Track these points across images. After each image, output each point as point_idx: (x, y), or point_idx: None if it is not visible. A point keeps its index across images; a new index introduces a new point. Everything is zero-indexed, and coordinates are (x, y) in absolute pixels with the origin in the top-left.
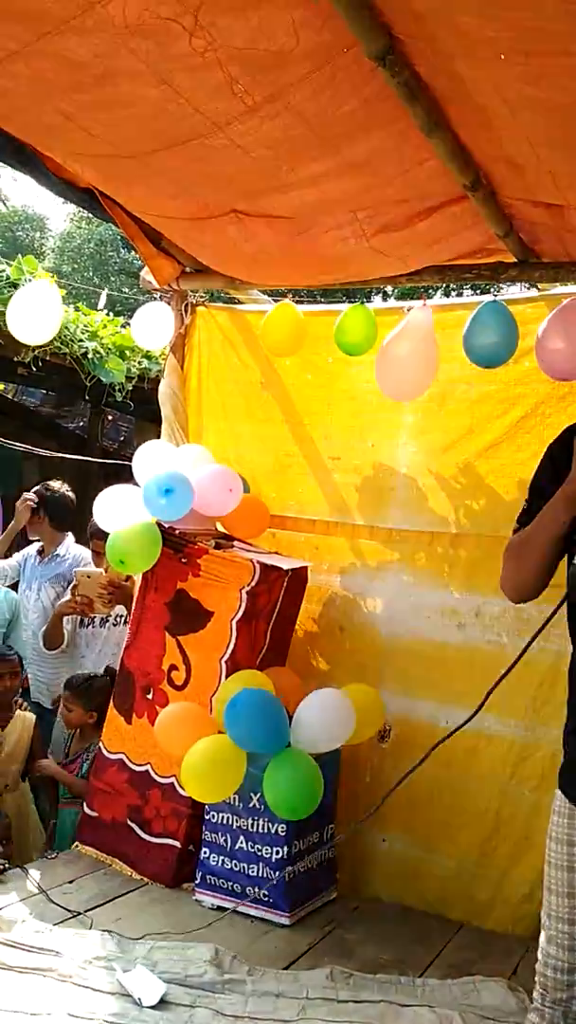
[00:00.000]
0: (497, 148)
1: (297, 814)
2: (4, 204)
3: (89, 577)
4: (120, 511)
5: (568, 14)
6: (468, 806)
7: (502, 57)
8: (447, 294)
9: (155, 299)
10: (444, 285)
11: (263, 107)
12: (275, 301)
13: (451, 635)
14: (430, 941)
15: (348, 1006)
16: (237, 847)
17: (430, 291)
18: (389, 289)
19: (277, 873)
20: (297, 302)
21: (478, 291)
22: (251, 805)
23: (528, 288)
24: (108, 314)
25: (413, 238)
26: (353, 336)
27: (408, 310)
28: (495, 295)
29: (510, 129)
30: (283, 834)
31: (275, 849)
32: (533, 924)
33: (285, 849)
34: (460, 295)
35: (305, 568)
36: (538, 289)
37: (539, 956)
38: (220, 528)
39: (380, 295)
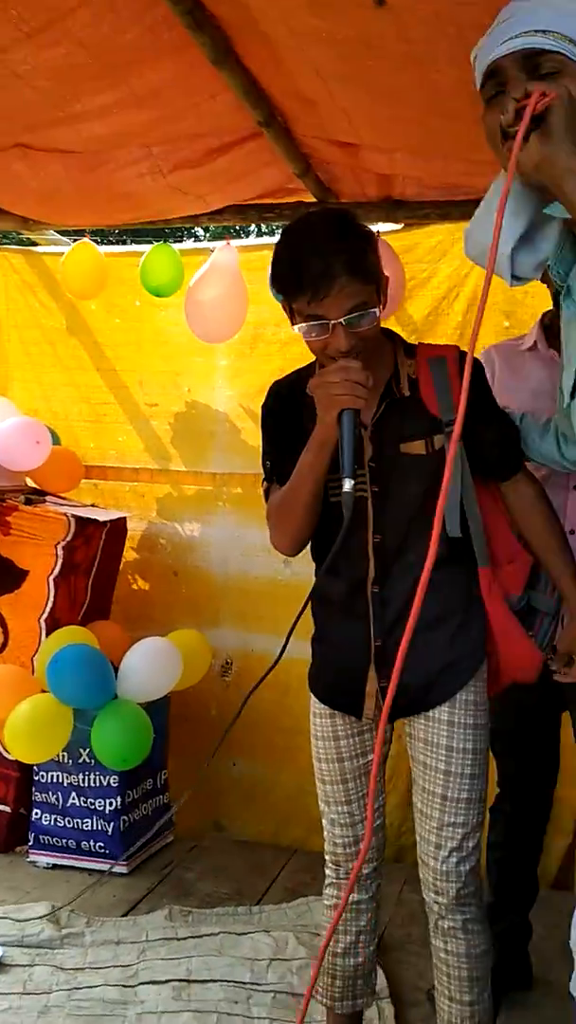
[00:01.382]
0: (288, 82)
1: (128, 763)
2: None
3: None
4: None
5: None
6: (305, 727)
7: None
8: (260, 235)
9: None
10: (258, 227)
11: (40, 34)
12: (72, 241)
13: (279, 571)
14: (266, 870)
15: (188, 942)
16: (69, 804)
17: (242, 232)
18: (200, 232)
19: (112, 824)
20: (105, 244)
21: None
22: (81, 760)
23: None
24: None
25: (211, 175)
26: (158, 278)
27: (212, 250)
28: None
29: (299, 62)
30: (115, 785)
31: (108, 801)
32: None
33: (118, 800)
34: (273, 235)
35: (123, 519)
36: None
37: (326, 838)
38: (31, 483)
39: (192, 238)
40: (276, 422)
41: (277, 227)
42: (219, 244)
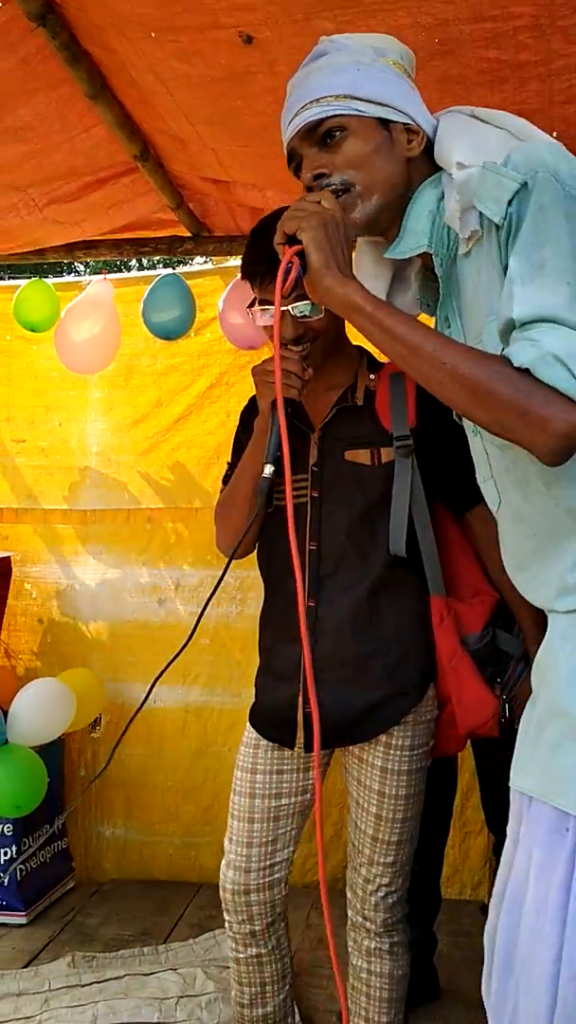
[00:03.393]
0: (159, 122)
1: (22, 810)
2: None
3: None
4: None
5: None
6: (184, 781)
7: (152, 35)
8: (141, 268)
9: None
10: (139, 262)
11: None
12: None
13: (153, 612)
14: (171, 908)
15: (92, 988)
16: None
17: (124, 267)
18: (81, 268)
19: (6, 875)
20: None
21: (166, 266)
22: None
23: (206, 261)
24: None
25: (86, 207)
26: (33, 313)
27: (87, 284)
28: (174, 269)
29: (168, 106)
30: (10, 834)
31: (3, 850)
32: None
33: (13, 848)
34: (153, 270)
35: (7, 559)
36: (213, 263)
37: (221, 879)
38: None
39: (72, 274)
40: (243, 430)
41: (156, 262)
42: (92, 278)
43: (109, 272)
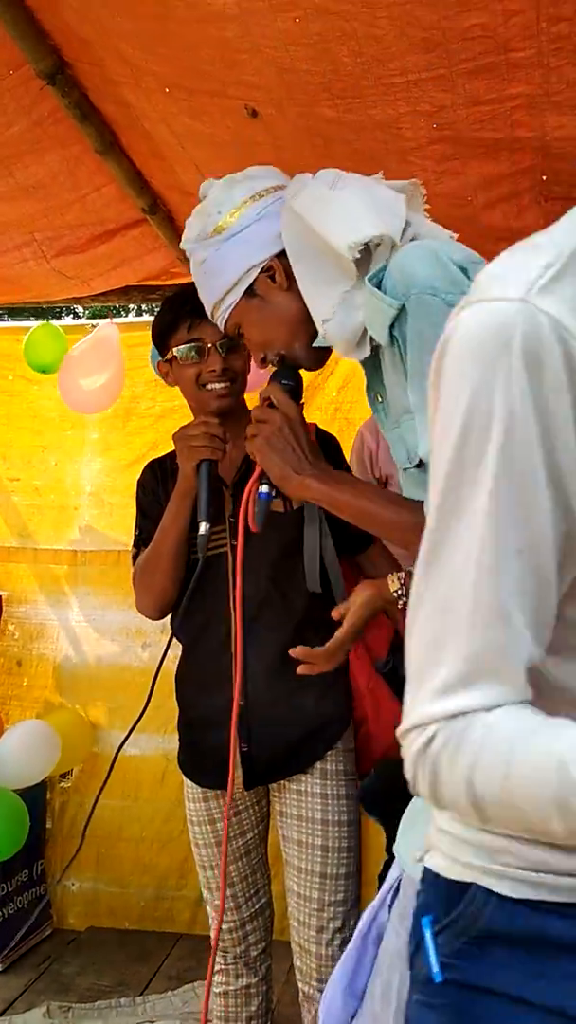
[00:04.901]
0: (170, 176)
1: (3, 854)
2: None
3: None
4: None
5: (222, 62)
6: (161, 831)
7: (167, 90)
8: (139, 314)
9: None
10: (138, 306)
11: None
12: None
13: (136, 657)
14: (150, 958)
15: None
16: None
17: (122, 311)
18: (80, 309)
19: None
20: None
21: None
22: None
23: None
24: None
25: (95, 261)
26: (43, 356)
27: (93, 327)
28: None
29: (179, 157)
30: None
31: None
32: None
33: None
34: (152, 314)
35: None
36: None
37: (211, 924)
38: None
39: (71, 315)
40: (148, 494)
41: (153, 308)
42: (102, 322)
43: (103, 315)
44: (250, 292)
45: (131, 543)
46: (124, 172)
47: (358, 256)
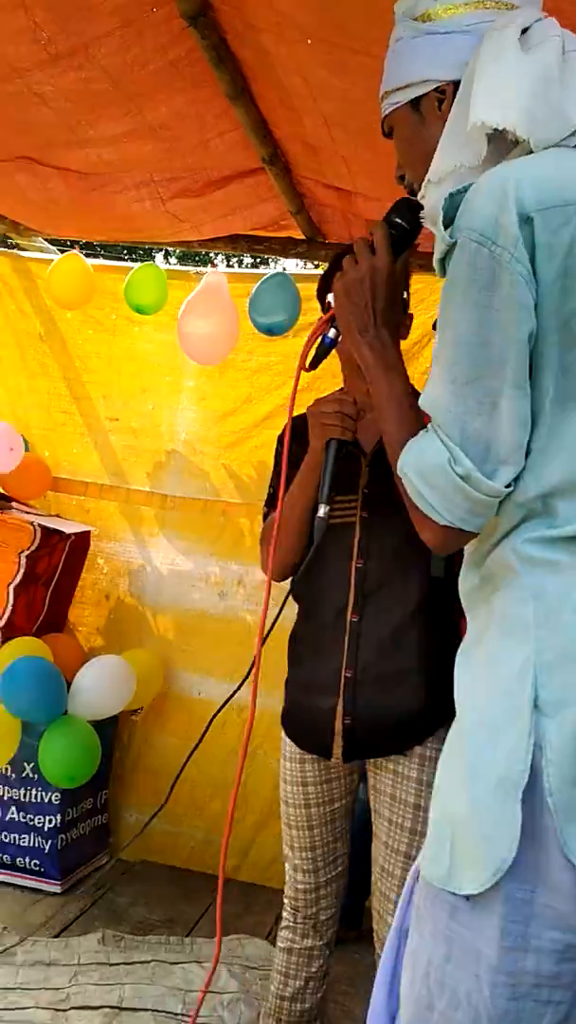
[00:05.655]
0: (296, 127)
1: (75, 782)
2: None
3: None
4: None
5: (371, 20)
6: (216, 777)
7: (308, 42)
8: (228, 260)
9: None
10: (226, 255)
11: (66, 57)
12: (60, 251)
13: (213, 604)
14: (197, 898)
15: (120, 968)
16: (8, 818)
17: (210, 255)
18: (170, 247)
19: (49, 842)
20: (89, 257)
21: (257, 260)
22: (24, 775)
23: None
24: None
25: (209, 206)
26: (146, 296)
27: (197, 274)
28: (280, 268)
29: (309, 110)
30: (57, 802)
31: (48, 818)
32: (284, 879)
33: (58, 817)
34: (240, 262)
35: (87, 533)
36: (321, 268)
37: (287, 882)
38: None
39: (162, 253)
40: (286, 452)
41: (265, 258)
42: (195, 269)
43: (193, 257)
44: (415, 104)
45: (230, 490)
46: (251, 120)
47: (487, 135)
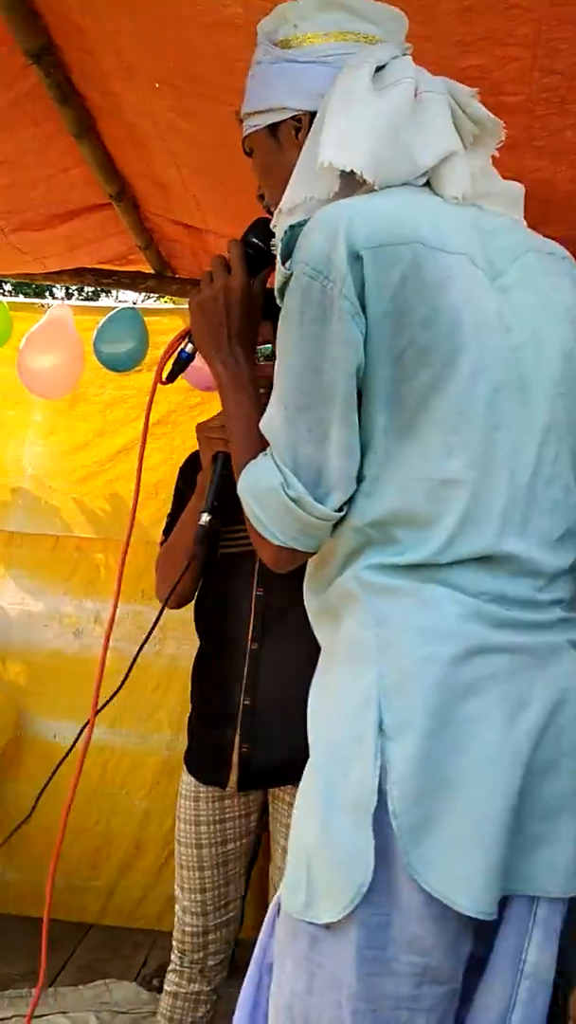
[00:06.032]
0: (144, 164)
1: None
2: None
3: None
4: None
5: (220, 68)
6: (75, 822)
7: (156, 86)
8: (68, 294)
9: None
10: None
11: None
12: None
13: (67, 643)
14: (59, 947)
15: None
16: None
17: (52, 289)
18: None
19: None
20: None
21: (98, 291)
22: None
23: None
24: None
25: (53, 240)
26: None
27: (44, 307)
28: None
29: (158, 149)
30: None
31: None
32: (152, 919)
33: None
34: (82, 292)
35: None
36: (173, 302)
37: (176, 924)
38: None
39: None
40: (184, 484)
41: (109, 292)
42: (42, 301)
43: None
44: (273, 129)
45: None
46: (96, 157)
47: (335, 173)
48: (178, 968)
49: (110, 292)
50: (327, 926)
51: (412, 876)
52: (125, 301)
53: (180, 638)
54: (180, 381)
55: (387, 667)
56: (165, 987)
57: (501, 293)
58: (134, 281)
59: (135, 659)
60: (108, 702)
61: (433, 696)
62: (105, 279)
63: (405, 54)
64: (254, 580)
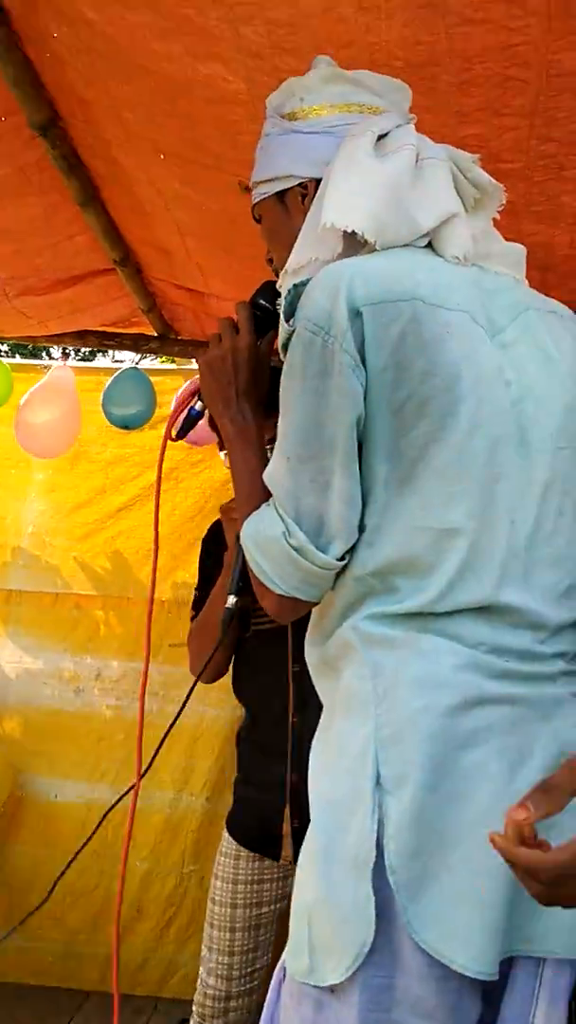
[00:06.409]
0: (148, 231)
1: None
2: None
3: None
4: None
5: (224, 140)
6: (75, 884)
7: (162, 157)
8: (65, 354)
9: None
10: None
11: None
12: None
13: (68, 701)
14: (58, 1015)
15: None
16: None
17: (50, 350)
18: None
19: None
20: None
21: (103, 354)
22: None
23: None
24: None
25: (57, 303)
26: None
27: (46, 368)
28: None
29: (162, 217)
30: None
31: None
32: (152, 985)
33: None
34: (78, 353)
35: None
36: (175, 363)
37: (198, 987)
38: None
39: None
40: (209, 556)
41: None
42: (43, 362)
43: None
44: (281, 196)
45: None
46: (101, 225)
47: (339, 235)
48: None
49: (106, 352)
50: (331, 989)
51: (412, 936)
52: (122, 361)
53: (181, 697)
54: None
55: (384, 719)
56: None
57: (501, 349)
58: (136, 343)
59: (172, 724)
60: (151, 764)
61: (430, 748)
62: (108, 341)
63: (408, 123)
64: (289, 655)
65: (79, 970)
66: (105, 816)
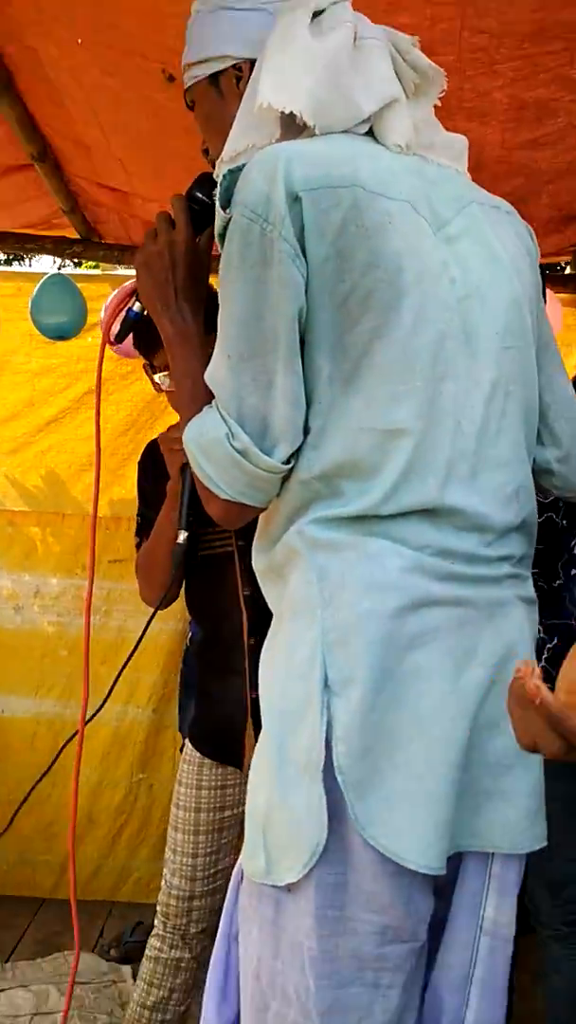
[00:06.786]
0: (67, 125)
1: None
2: None
3: None
4: None
5: (148, 25)
6: (22, 795)
7: (79, 41)
8: (9, 263)
9: None
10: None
11: None
12: None
13: (8, 619)
14: (13, 922)
15: None
16: None
17: None
18: None
19: None
20: None
21: (20, 261)
22: None
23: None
24: None
25: None
26: None
27: None
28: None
29: (82, 111)
30: None
31: None
32: (106, 891)
33: None
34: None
35: None
36: (100, 268)
37: (162, 888)
38: None
39: None
40: (148, 479)
41: (35, 259)
42: None
43: None
44: (215, 79)
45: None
46: (16, 115)
47: (281, 118)
48: (160, 933)
49: (23, 259)
50: (288, 888)
51: (360, 833)
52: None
53: (127, 612)
54: (106, 351)
55: (330, 622)
56: (146, 952)
57: (445, 243)
58: (59, 247)
59: (138, 643)
60: (115, 683)
61: (375, 649)
62: (28, 244)
63: (344, 0)
64: (238, 580)
65: (33, 878)
66: (73, 736)
